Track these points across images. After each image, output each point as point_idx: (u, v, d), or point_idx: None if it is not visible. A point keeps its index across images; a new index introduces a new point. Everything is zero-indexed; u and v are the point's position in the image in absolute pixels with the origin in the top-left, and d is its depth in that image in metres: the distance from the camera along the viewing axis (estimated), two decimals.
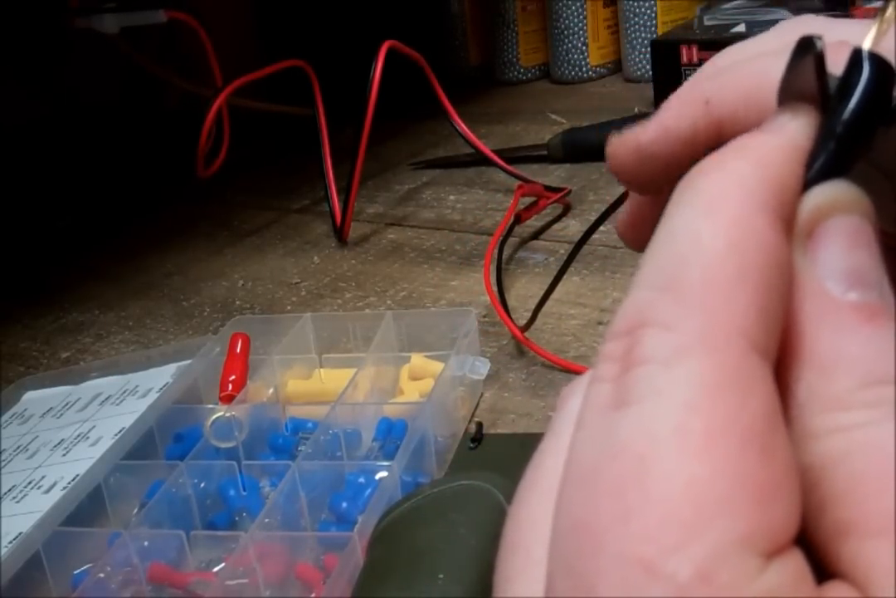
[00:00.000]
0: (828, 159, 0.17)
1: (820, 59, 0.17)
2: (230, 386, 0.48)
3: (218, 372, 0.50)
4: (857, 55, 0.17)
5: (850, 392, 0.15)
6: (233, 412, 0.45)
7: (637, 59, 1.07)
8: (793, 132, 0.17)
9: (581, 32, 1.10)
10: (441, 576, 0.31)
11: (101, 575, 0.38)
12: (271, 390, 0.49)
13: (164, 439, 0.48)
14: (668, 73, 0.91)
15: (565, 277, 0.53)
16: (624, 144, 0.23)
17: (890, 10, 0.18)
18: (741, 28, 0.91)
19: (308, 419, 0.47)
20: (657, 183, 0.23)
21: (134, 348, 0.62)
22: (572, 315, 0.57)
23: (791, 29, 0.22)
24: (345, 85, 0.78)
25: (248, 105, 0.93)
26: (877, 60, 0.17)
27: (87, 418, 0.52)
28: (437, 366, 0.49)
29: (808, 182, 0.17)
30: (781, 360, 0.16)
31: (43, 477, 0.48)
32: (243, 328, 0.53)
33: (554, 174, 0.82)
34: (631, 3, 1.06)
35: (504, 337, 0.56)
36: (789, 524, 0.15)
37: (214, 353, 0.52)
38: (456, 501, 0.35)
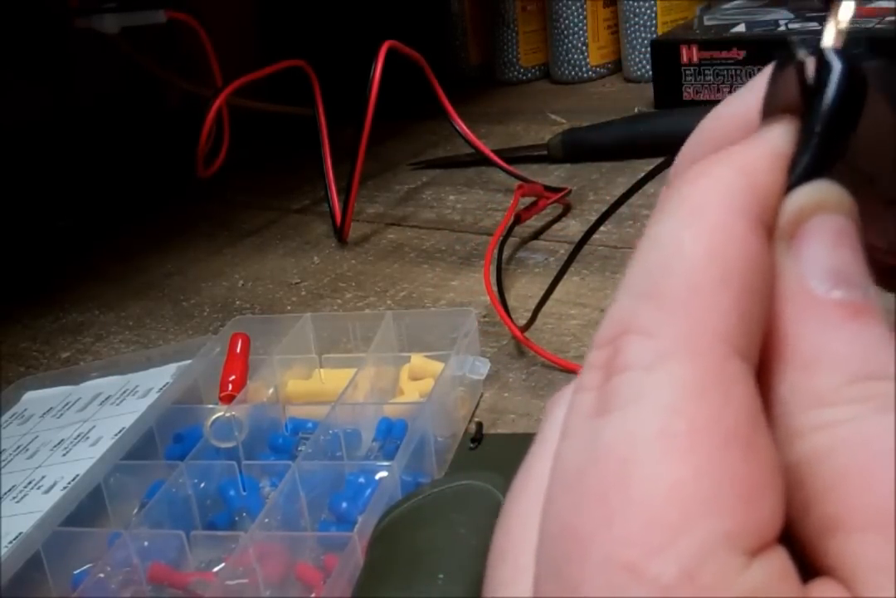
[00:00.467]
0: (810, 158, 0.17)
1: (800, 67, 0.17)
2: (230, 386, 0.49)
3: (218, 372, 0.50)
4: (824, 54, 0.17)
5: (834, 389, 0.15)
6: (233, 412, 0.45)
7: (637, 60, 1.07)
8: (776, 140, 0.18)
9: (581, 32, 1.10)
10: (441, 576, 0.31)
11: (101, 575, 0.38)
12: (271, 390, 0.49)
13: (164, 439, 0.48)
14: (668, 74, 0.91)
15: (565, 277, 0.53)
16: None
17: (842, 7, 0.18)
18: (741, 28, 0.91)
19: (308, 419, 0.47)
20: None
21: (134, 348, 0.62)
22: (572, 315, 0.57)
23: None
24: (345, 85, 0.78)
25: (248, 105, 0.93)
26: (843, 54, 0.17)
27: (87, 418, 0.52)
28: (437, 366, 0.49)
29: (792, 184, 0.17)
30: (764, 362, 0.16)
31: (43, 477, 0.48)
32: (243, 328, 0.53)
33: (554, 174, 0.82)
34: (631, 3, 1.06)
35: (504, 337, 0.56)
36: (773, 523, 0.15)
37: (214, 353, 0.52)
38: (456, 501, 0.35)
